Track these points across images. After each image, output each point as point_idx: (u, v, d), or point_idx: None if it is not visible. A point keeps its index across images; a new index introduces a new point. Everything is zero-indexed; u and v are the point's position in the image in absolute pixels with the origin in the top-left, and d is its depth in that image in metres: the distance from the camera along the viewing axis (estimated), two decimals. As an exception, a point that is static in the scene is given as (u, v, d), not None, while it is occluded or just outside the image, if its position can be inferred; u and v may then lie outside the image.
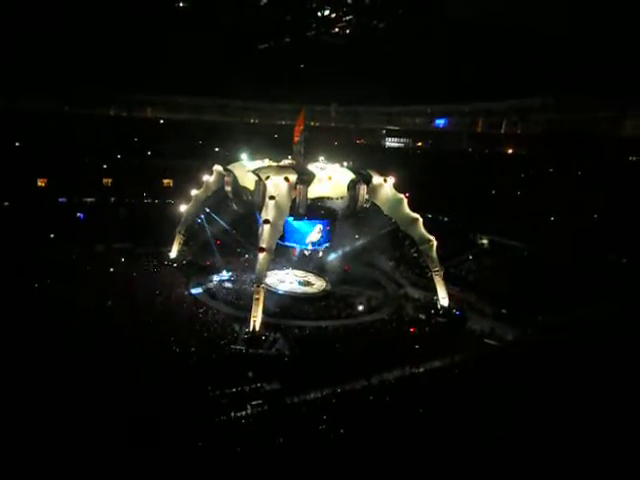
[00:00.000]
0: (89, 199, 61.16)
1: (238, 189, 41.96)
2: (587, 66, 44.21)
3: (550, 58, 45.21)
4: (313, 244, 43.80)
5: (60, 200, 59.31)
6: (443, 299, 42.09)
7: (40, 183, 60.49)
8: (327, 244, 45.03)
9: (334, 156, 46.29)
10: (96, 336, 29.56)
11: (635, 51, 52.02)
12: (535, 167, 62.03)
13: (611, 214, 47.48)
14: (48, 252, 45.56)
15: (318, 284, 48.19)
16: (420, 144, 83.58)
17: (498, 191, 61.69)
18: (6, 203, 54.58)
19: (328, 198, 40.94)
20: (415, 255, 44.69)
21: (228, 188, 42.76)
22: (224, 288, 44.82)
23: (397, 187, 43.06)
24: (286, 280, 47.99)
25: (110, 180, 64.61)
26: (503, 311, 40.43)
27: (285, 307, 40.47)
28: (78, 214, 57.52)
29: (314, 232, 43.16)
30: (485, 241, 55.58)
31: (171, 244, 49.72)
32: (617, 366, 26.47)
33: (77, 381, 24.05)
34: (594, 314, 34.58)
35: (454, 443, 20.65)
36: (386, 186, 42.40)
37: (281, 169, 41.14)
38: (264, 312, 34.53)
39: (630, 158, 56.63)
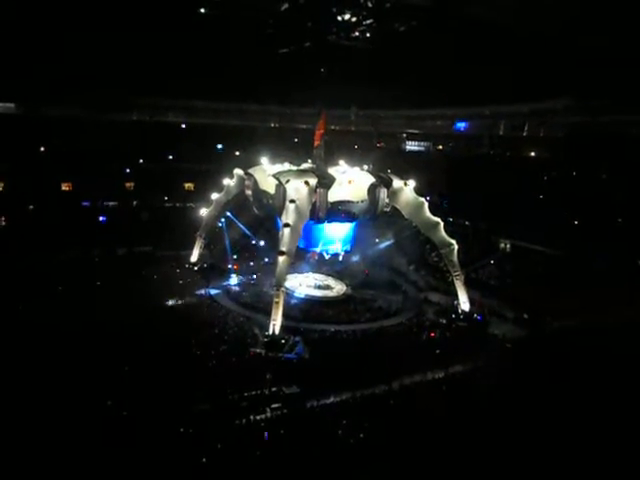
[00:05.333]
0: (111, 203, 62.18)
1: (258, 193, 42.06)
2: (612, 68, 43.41)
3: (573, 59, 44.53)
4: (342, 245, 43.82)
5: (83, 204, 60.30)
6: (464, 303, 41.71)
7: (65, 187, 61.68)
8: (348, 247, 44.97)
9: (354, 160, 46.13)
10: (114, 337, 29.94)
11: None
12: (558, 170, 61.20)
13: (637, 218, 46.58)
14: (71, 254, 46.44)
15: (338, 288, 48.10)
16: (441, 147, 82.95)
17: (520, 195, 60.98)
18: (31, 207, 55.55)
19: (348, 202, 40.65)
20: (436, 259, 44.37)
21: (249, 192, 42.89)
22: (244, 291, 45.06)
23: (417, 191, 42.77)
24: (306, 284, 47.97)
25: (132, 184, 65.69)
26: (525, 316, 39.92)
27: (305, 311, 40.55)
28: (100, 217, 58.37)
29: (342, 234, 43.15)
30: (507, 245, 54.93)
31: (192, 247, 50.09)
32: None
33: (92, 380, 24.35)
34: (618, 319, 33.94)
35: (473, 450, 20.44)
36: (406, 190, 42.03)
37: (301, 173, 41.15)
38: (284, 315, 34.51)
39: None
